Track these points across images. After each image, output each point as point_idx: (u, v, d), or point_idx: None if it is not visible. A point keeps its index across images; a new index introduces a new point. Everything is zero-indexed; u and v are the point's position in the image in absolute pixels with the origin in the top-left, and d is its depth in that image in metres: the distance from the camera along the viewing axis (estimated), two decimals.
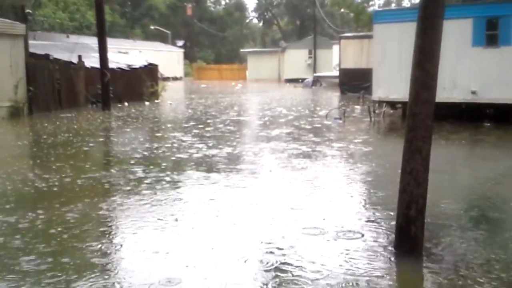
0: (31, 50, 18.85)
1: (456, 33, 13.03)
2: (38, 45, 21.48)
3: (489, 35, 13.49)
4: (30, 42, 19.82)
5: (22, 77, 16.85)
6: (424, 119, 4.22)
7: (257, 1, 70.67)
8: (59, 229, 5.10)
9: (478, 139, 11.71)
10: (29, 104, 17.01)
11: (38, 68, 17.77)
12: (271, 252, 4.41)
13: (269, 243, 4.64)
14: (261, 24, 75.89)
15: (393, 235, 4.54)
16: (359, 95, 20.91)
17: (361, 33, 28.89)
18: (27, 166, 8.89)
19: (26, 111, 16.82)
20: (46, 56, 19.31)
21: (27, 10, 22.34)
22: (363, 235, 4.83)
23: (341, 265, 4.12)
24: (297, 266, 4.10)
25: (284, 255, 4.35)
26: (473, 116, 13.68)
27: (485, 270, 4.05)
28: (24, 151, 10.91)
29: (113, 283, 3.84)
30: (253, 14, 75.58)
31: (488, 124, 13.29)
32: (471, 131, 12.51)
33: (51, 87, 18.30)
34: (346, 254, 4.36)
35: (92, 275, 3.95)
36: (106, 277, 3.95)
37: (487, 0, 14.80)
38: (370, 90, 16.49)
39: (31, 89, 17.05)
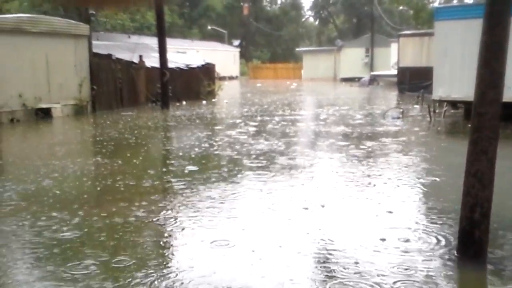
0: (95, 50, 19.58)
1: None
2: (101, 45, 22.26)
3: None
4: (94, 42, 20.59)
5: (86, 76, 17.55)
6: (490, 119, 4.07)
7: (313, 0, 70.30)
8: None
9: None
10: (92, 102, 17.71)
11: (101, 67, 18.46)
12: (326, 251, 4.39)
13: (322, 239, 4.62)
14: (317, 22, 75.42)
15: (456, 240, 4.41)
16: (419, 94, 20.39)
17: (421, 31, 28.16)
18: (91, 161, 9.25)
19: (90, 109, 17.51)
20: (109, 56, 19.99)
21: (91, 11, 23.20)
22: (424, 238, 4.71)
23: (401, 269, 4.04)
24: (353, 266, 4.07)
25: (342, 256, 4.32)
26: None
27: None
28: (89, 146, 11.36)
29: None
30: (309, 12, 75.28)
31: None
32: None
33: (113, 86, 18.96)
34: (407, 257, 4.27)
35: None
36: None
37: None
38: (430, 89, 16.04)
39: (94, 88, 17.73)
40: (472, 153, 4.15)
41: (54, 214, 5.61)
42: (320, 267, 4.13)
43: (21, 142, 12.64)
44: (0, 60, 14.53)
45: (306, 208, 5.77)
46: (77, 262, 4.19)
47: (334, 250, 4.45)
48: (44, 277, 3.94)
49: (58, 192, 6.69)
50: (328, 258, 4.28)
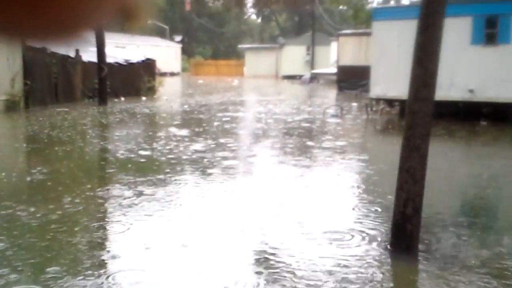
0: (28, 43, 18.73)
1: (455, 31, 12.97)
2: None
3: (488, 33, 13.47)
4: None
5: (18, 71, 16.76)
6: (423, 117, 4.20)
7: None
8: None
9: (474, 137, 11.73)
10: (25, 97, 16.93)
11: (35, 61, 17.68)
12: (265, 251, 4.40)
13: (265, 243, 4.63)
14: (259, 20, 75.79)
15: (389, 233, 4.53)
16: (357, 93, 20.92)
17: (360, 30, 28.87)
18: (22, 161, 8.85)
19: (22, 105, 16.74)
20: (43, 49, 19.19)
21: None
22: (358, 233, 4.81)
23: (334, 262, 4.10)
24: (289, 264, 4.09)
25: (275, 253, 4.33)
26: (470, 115, 13.69)
27: (478, 268, 4.04)
28: (20, 145, 10.86)
29: None
30: (252, 10, 75.49)
31: (485, 123, 13.31)
32: (468, 130, 12.53)
33: (48, 81, 18.23)
34: (340, 250, 4.34)
35: None
36: None
37: None
38: (368, 88, 16.48)
39: (27, 83, 16.96)
40: (405, 149, 4.27)
41: None
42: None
43: None
44: None
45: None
46: None
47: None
48: None
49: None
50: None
